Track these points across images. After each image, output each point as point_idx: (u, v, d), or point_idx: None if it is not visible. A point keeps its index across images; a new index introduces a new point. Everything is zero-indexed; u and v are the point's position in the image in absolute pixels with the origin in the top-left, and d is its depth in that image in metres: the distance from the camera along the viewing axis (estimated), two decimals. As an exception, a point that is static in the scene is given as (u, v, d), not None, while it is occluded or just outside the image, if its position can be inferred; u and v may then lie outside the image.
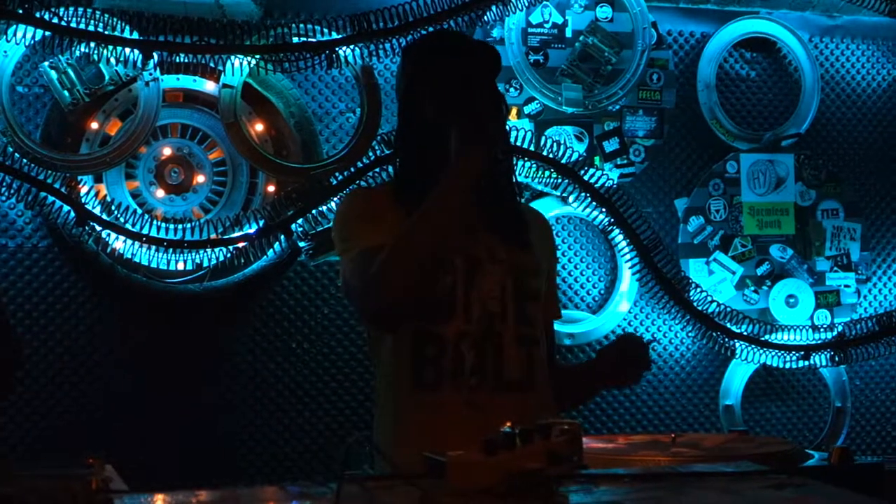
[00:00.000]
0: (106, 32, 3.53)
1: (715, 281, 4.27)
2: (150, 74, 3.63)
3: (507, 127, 2.42)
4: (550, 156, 3.96)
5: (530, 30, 4.09)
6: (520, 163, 3.92)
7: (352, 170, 3.77)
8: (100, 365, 3.71)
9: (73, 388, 3.69)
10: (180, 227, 3.66)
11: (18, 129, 3.57)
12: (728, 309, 4.17)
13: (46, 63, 3.61)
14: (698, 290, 4.14)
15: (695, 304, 4.12)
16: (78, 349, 3.70)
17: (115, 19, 3.55)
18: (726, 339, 4.16)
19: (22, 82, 3.68)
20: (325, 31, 3.72)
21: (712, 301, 4.15)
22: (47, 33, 3.51)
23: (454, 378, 2.21)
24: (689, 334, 4.19)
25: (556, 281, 2.51)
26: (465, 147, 2.16)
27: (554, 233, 2.73)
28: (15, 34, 3.51)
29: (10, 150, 3.54)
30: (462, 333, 2.21)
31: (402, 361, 2.26)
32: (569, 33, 4.14)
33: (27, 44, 3.53)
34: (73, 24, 3.51)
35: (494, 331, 2.23)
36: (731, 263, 4.29)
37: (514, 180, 2.41)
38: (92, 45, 3.53)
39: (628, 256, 4.08)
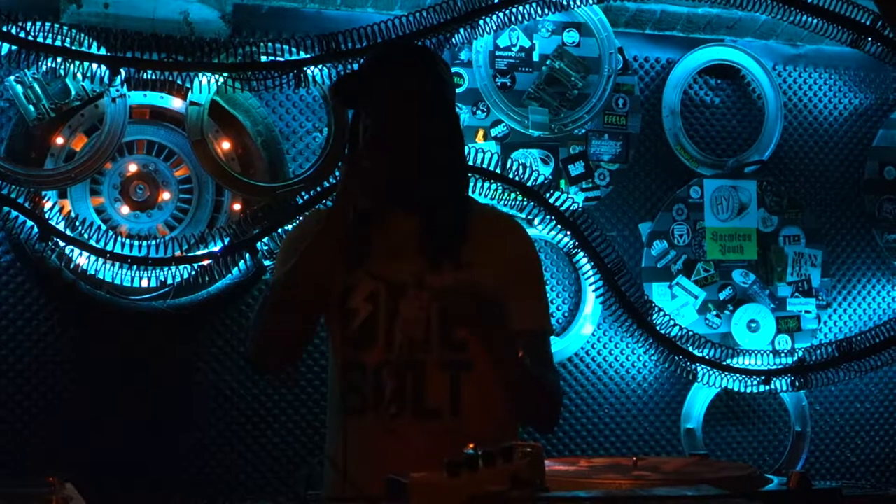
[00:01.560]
0: (73, 48, 3.51)
1: (678, 305, 4.29)
2: (117, 90, 3.62)
3: (455, 146, 2.35)
4: (516, 178, 3.97)
5: (498, 53, 4.11)
6: (486, 185, 3.94)
7: (318, 189, 3.78)
8: (61, 382, 3.68)
9: (33, 404, 3.66)
10: (145, 243, 3.64)
11: (-18, 143, 3.56)
12: (690, 333, 4.19)
13: (12, 77, 3.58)
14: (661, 313, 4.16)
15: (657, 327, 4.14)
16: (39, 365, 3.67)
17: (82, 35, 3.53)
18: (688, 363, 4.18)
19: (-13, 96, 3.67)
20: (294, 50, 3.73)
21: (675, 325, 4.18)
22: (13, 48, 3.49)
23: (375, 406, 2.22)
24: (652, 358, 4.21)
25: (531, 289, 2.37)
26: (342, 185, 2.24)
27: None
28: (-19, 48, 3.49)
29: (-26, 164, 3.52)
30: (383, 361, 2.22)
31: (335, 387, 2.29)
32: (536, 57, 4.16)
33: (-7, 58, 3.52)
34: (40, 39, 3.49)
35: (417, 358, 2.21)
36: (693, 288, 4.32)
37: (459, 194, 2.32)
38: (59, 60, 3.51)
39: (592, 279, 4.09)
